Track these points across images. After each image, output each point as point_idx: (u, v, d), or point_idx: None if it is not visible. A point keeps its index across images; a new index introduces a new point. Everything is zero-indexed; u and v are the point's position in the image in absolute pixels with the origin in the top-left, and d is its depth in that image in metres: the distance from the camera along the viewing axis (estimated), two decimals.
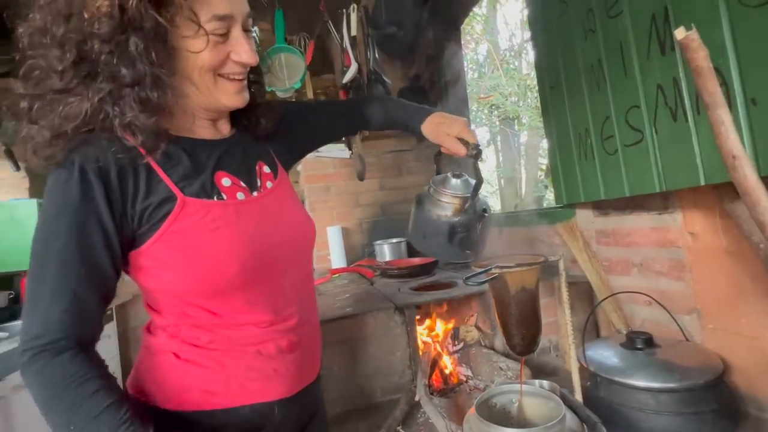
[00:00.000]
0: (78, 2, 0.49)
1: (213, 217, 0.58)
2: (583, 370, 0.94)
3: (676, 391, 0.79)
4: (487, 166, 7.68)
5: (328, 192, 2.23)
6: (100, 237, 0.53)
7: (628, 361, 0.88)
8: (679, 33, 0.52)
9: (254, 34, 0.67)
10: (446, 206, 0.79)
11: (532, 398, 0.82)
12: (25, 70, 0.54)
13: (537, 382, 0.88)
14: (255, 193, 0.65)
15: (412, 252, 2.12)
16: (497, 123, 6.33)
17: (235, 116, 0.69)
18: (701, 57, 0.52)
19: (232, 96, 0.62)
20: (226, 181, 0.62)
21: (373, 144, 2.30)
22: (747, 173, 0.50)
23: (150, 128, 0.53)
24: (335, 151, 2.22)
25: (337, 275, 1.90)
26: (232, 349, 0.61)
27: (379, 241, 2.12)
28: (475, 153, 0.73)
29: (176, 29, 0.53)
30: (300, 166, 2.30)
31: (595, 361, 0.92)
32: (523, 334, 0.72)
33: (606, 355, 0.93)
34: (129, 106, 0.52)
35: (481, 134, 6.82)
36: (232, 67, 0.59)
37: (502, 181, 6.82)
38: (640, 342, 0.91)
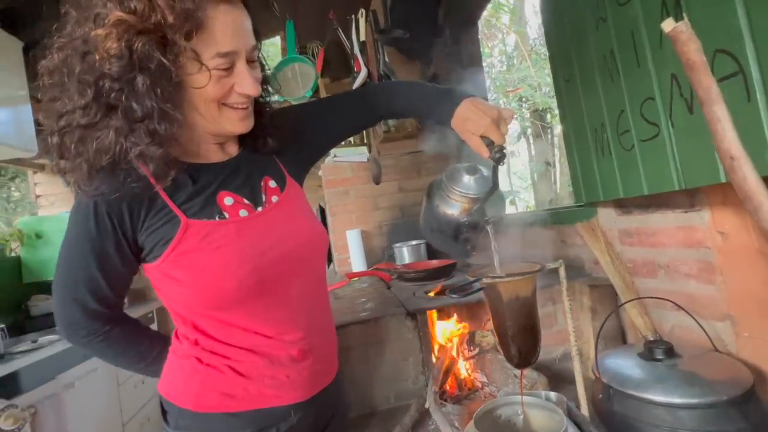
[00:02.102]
0: (92, 43, 0.54)
1: (214, 237, 0.62)
2: (597, 380, 0.89)
3: (696, 407, 0.73)
4: (521, 160, 7.43)
5: (348, 196, 2.25)
6: (99, 262, 0.62)
7: (644, 372, 0.83)
8: (667, 25, 0.48)
9: (262, 58, 0.69)
10: (454, 204, 0.76)
11: (538, 410, 0.79)
12: (46, 105, 0.60)
13: (543, 393, 0.84)
14: (260, 209, 0.67)
15: (431, 254, 2.10)
16: (528, 116, 6.11)
17: (242, 136, 0.72)
18: (692, 50, 0.47)
19: (237, 123, 0.65)
20: (228, 200, 0.66)
21: (392, 146, 2.30)
22: (747, 175, 0.45)
23: (160, 157, 0.58)
24: (353, 155, 2.24)
25: (356, 279, 1.92)
26: (244, 358, 0.66)
27: (398, 244, 2.12)
28: (498, 156, 0.68)
29: (181, 68, 0.57)
30: (320, 172, 2.34)
31: (609, 371, 0.87)
32: (519, 346, 0.69)
33: (622, 365, 0.87)
34: (140, 138, 0.56)
35: (512, 128, 6.59)
36: (236, 98, 0.62)
37: (536, 176, 6.58)
38: (659, 352, 0.85)
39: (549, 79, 5.99)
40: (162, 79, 0.55)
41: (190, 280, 0.61)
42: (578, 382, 0.72)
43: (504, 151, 0.70)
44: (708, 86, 0.47)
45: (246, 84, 0.61)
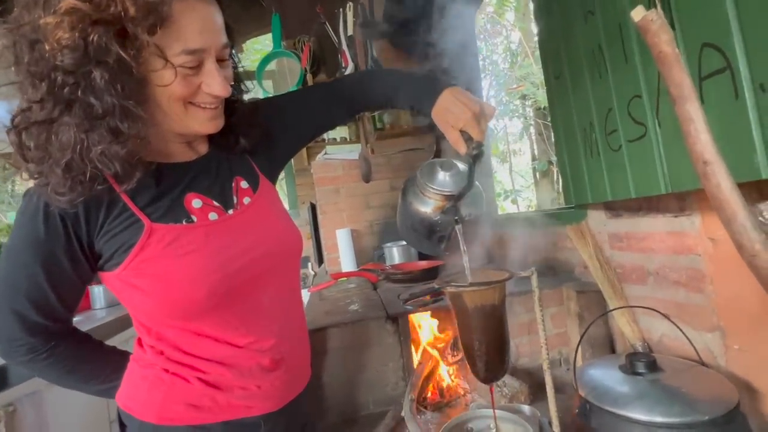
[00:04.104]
0: (41, 32, 0.49)
1: (181, 243, 0.58)
2: (575, 393, 0.85)
3: (676, 427, 0.68)
4: (524, 159, 7.33)
5: (338, 194, 2.21)
6: (46, 269, 0.57)
7: (624, 387, 0.78)
8: (636, 13, 0.43)
9: (234, 57, 0.65)
10: (428, 202, 0.72)
11: (509, 425, 0.75)
12: None
13: (517, 406, 0.80)
14: (231, 211, 0.64)
15: (422, 254, 2.06)
16: (531, 114, 6.02)
17: (212, 134, 0.68)
18: (664, 41, 0.42)
19: (205, 123, 0.60)
20: (196, 203, 0.61)
21: (385, 144, 2.25)
22: (720, 182, 0.40)
23: (124, 158, 0.53)
24: (344, 152, 2.20)
25: (343, 279, 1.88)
26: (213, 369, 0.62)
27: (388, 244, 2.07)
28: (475, 153, 0.64)
29: (143, 63, 0.52)
30: (311, 169, 2.30)
31: (587, 384, 0.82)
32: (486, 360, 0.65)
33: (601, 378, 0.83)
34: (102, 137, 0.51)
35: (515, 126, 6.51)
36: (203, 97, 0.58)
37: (538, 175, 6.49)
38: (641, 365, 0.80)
39: None
40: (122, 75, 0.50)
41: (155, 289, 0.57)
42: (549, 398, 0.68)
43: (482, 148, 0.66)
44: (680, 82, 0.42)
45: (214, 84, 0.57)
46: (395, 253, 2.03)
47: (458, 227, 0.70)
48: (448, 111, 0.67)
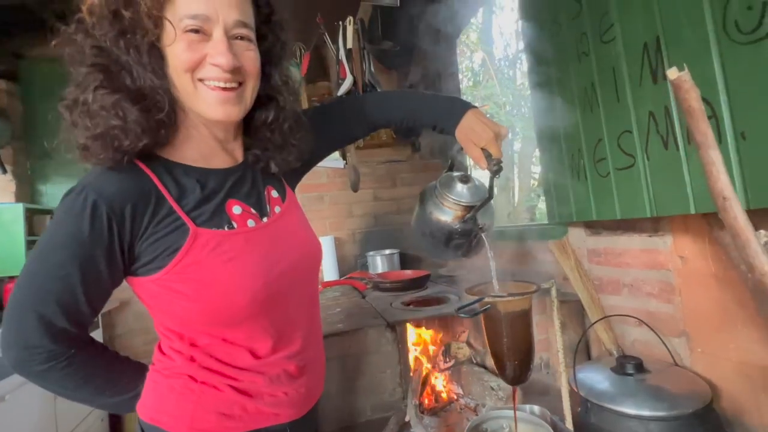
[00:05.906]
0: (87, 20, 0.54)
1: (224, 249, 0.58)
2: (573, 394, 0.94)
3: (664, 419, 0.79)
4: (483, 174, 7.72)
5: (322, 202, 2.22)
6: (83, 272, 0.55)
7: (618, 386, 0.88)
8: (672, 73, 0.53)
9: (286, 69, 0.68)
10: (447, 211, 0.77)
11: (523, 425, 0.82)
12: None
13: (528, 407, 0.87)
14: (265, 219, 0.65)
15: (405, 264, 2.12)
16: None
17: (246, 145, 0.70)
18: (693, 98, 0.52)
19: (213, 106, 0.59)
20: (236, 209, 0.62)
21: (368, 154, 2.30)
22: (737, 214, 0.50)
23: (153, 128, 0.56)
24: (329, 161, 2.21)
25: (328, 287, 1.89)
26: (244, 377, 0.62)
27: (371, 253, 2.11)
28: (495, 169, 0.71)
29: (162, 38, 0.56)
30: None
31: (585, 385, 0.92)
32: (515, 364, 0.72)
33: (597, 379, 0.93)
34: (128, 109, 0.54)
35: None
36: (209, 71, 0.57)
37: (495, 190, 6.85)
38: (630, 367, 0.91)
39: (512, 98, 6.30)
40: (150, 48, 0.55)
41: (198, 294, 0.56)
42: (564, 398, 0.76)
43: (501, 165, 0.73)
44: (705, 132, 0.52)
45: (217, 53, 0.56)
46: (378, 262, 2.07)
47: (484, 235, 0.76)
48: (471, 131, 0.73)
